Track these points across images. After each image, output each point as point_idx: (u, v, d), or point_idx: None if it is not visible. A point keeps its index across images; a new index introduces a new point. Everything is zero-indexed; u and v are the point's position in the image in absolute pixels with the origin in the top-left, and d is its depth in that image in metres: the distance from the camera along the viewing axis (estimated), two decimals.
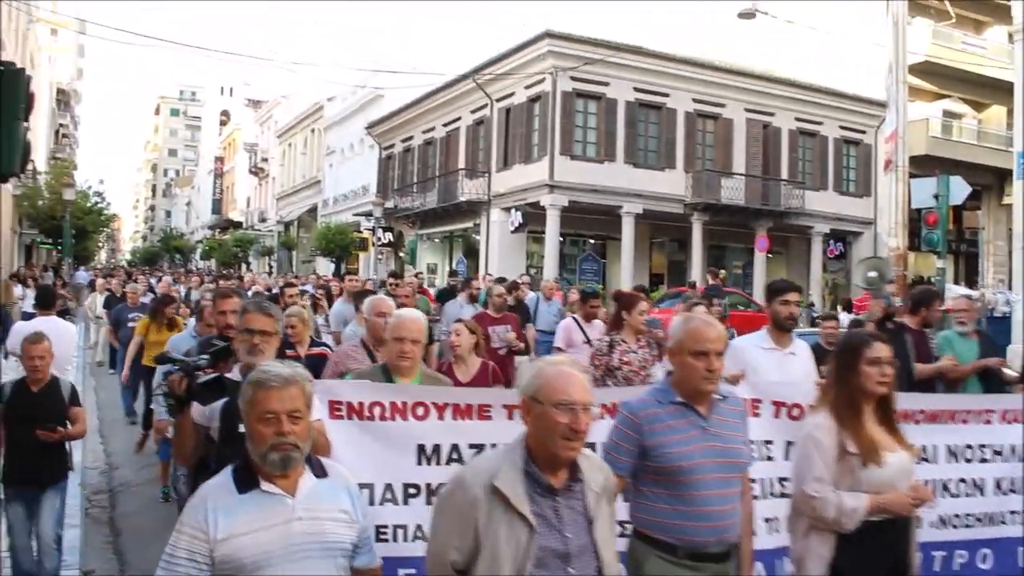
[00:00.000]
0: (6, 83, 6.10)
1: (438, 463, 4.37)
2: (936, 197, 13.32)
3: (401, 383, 4.48)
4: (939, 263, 14.23)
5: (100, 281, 18.83)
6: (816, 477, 3.46)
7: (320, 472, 2.75)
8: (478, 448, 4.37)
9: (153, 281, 19.22)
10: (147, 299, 13.81)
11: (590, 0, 31.53)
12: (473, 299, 11.76)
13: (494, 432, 4.31)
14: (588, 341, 7.75)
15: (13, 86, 6.17)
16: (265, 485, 2.61)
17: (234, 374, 3.85)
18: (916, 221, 14.34)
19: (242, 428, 2.74)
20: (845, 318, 13.29)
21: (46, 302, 8.42)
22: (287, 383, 2.62)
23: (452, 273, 20.62)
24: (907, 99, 12.73)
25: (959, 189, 13.71)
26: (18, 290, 18.83)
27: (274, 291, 17.65)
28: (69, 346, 7.81)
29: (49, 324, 7.61)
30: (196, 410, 3.80)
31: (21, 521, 5.70)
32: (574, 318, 8.36)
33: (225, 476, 2.69)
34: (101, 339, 17.05)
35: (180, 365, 3.79)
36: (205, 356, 3.89)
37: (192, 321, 7.73)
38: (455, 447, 4.41)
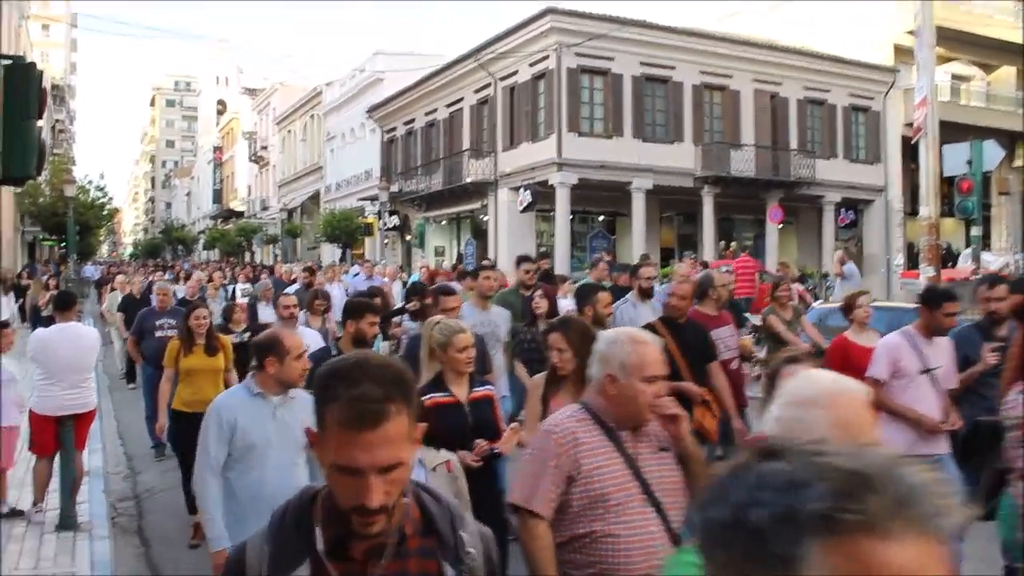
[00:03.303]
0: (18, 79, 5.55)
1: None
2: (969, 163, 12.95)
3: None
4: (975, 230, 13.88)
5: (120, 278, 15.93)
6: None
7: None
8: None
9: (165, 278, 16.81)
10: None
11: None
12: (645, 294, 7.93)
13: None
14: (928, 370, 5.36)
15: (24, 82, 5.50)
16: None
17: None
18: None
19: None
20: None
21: (65, 305, 7.45)
22: None
23: (460, 258, 18.54)
24: (935, 63, 12.33)
25: (993, 153, 13.33)
26: None
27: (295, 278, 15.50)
28: (90, 353, 7.41)
29: (68, 330, 7.29)
30: None
31: None
32: (908, 333, 5.54)
33: None
34: (118, 346, 15.05)
35: None
36: None
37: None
38: None
